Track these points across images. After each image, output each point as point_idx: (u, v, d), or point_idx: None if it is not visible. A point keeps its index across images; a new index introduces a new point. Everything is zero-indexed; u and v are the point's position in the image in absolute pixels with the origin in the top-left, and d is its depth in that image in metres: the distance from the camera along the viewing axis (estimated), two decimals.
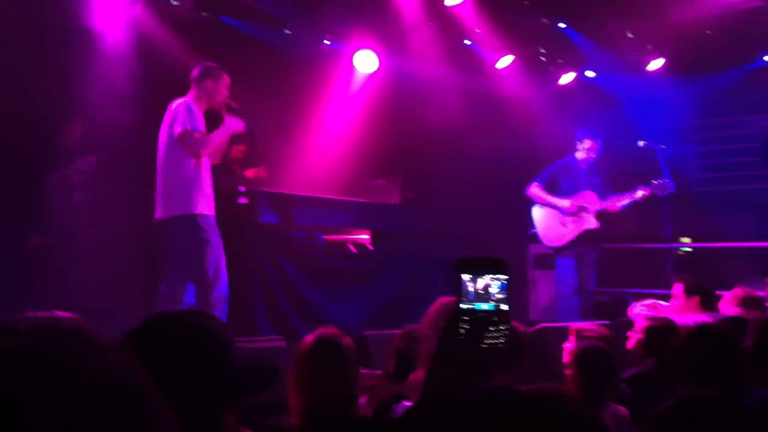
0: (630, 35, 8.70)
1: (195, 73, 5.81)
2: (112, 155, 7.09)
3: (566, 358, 3.97)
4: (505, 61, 9.10)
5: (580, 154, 7.75)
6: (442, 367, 1.90)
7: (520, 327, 3.85)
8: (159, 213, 5.66)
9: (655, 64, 8.94)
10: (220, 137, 5.79)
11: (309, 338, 2.92)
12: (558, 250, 7.78)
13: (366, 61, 8.50)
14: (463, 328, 1.81)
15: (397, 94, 8.78)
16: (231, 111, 5.86)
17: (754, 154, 9.22)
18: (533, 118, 9.21)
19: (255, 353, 4.20)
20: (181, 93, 6.46)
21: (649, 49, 8.87)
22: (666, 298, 5.81)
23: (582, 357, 3.75)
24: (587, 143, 7.69)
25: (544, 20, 8.73)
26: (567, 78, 9.48)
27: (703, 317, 4.51)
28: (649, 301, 5.76)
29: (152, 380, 1.38)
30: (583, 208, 7.64)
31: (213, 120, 5.89)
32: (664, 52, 8.88)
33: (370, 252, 7.74)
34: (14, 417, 0.62)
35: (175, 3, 7.23)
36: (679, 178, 8.39)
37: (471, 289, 1.82)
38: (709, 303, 5.19)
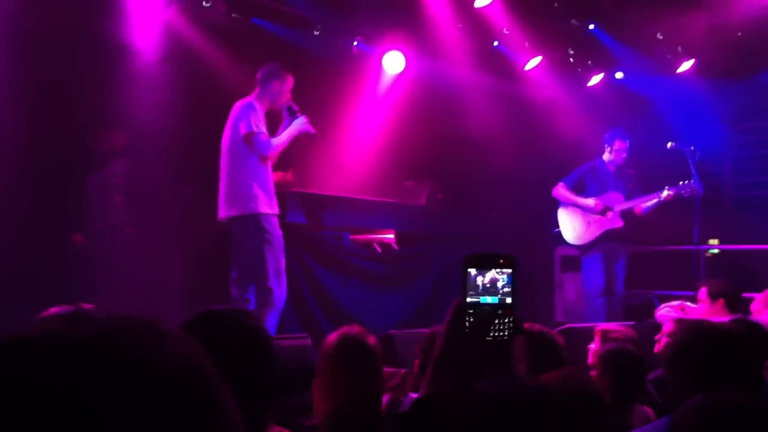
0: (660, 36, 8.65)
1: (261, 73, 5.92)
2: (148, 159, 7.20)
3: (591, 359, 3.96)
4: (533, 63, 9.08)
5: (607, 156, 7.75)
6: (449, 359, 1.94)
7: (544, 329, 3.87)
8: (222, 213, 5.78)
9: (686, 66, 8.87)
10: (287, 140, 5.85)
11: (332, 337, 2.90)
12: (583, 249, 7.76)
13: (394, 63, 8.54)
14: (468, 321, 1.85)
15: (425, 96, 8.80)
16: (291, 113, 5.93)
17: None
18: (562, 120, 9.19)
19: (287, 351, 4.23)
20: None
21: (679, 50, 8.80)
22: (695, 299, 5.78)
23: (609, 359, 3.72)
24: (616, 144, 7.69)
25: (573, 22, 8.70)
26: (596, 79, 9.44)
27: (726, 320, 4.48)
28: (676, 303, 5.71)
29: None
30: (608, 208, 7.63)
31: (272, 121, 5.98)
32: (695, 53, 8.82)
33: (400, 253, 7.76)
34: (95, 403, 0.63)
35: (207, 5, 7.29)
36: (712, 181, 8.36)
37: (477, 283, 1.86)
38: (735, 306, 5.14)
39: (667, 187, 7.39)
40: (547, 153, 9.14)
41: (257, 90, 5.90)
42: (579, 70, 9.44)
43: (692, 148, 7.37)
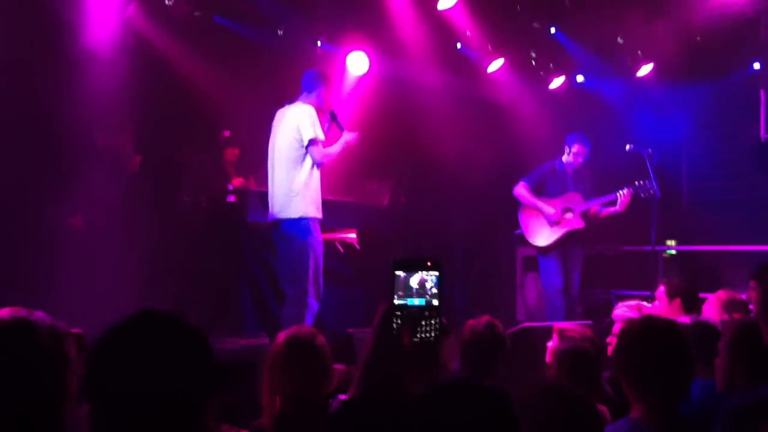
0: (620, 40, 8.75)
1: (307, 78, 6.13)
2: (109, 153, 7.17)
3: (549, 357, 4.00)
4: (495, 65, 9.15)
5: (566, 158, 7.83)
6: (377, 360, 1.96)
7: (500, 330, 3.91)
8: (273, 215, 5.94)
9: (645, 70, 8.99)
10: (339, 152, 6.06)
11: (281, 336, 2.90)
12: (543, 250, 7.81)
13: (357, 63, 8.54)
14: (396, 323, 1.88)
15: (389, 97, 8.81)
16: (333, 118, 6.17)
17: (745, 160, 9.28)
18: (524, 121, 9.26)
19: (237, 351, 4.23)
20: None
21: (639, 54, 8.92)
22: (652, 299, 5.84)
23: (564, 357, 3.77)
24: (575, 148, 7.78)
25: (535, 24, 8.78)
26: (557, 82, 9.53)
27: (682, 320, 4.53)
28: (632, 303, 5.75)
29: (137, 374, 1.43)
30: (568, 210, 7.71)
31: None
32: (654, 57, 8.93)
33: (361, 253, 7.76)
34: None
35: (169, 3, 7.25)
36: (670, 184, 8.47)
37: (404, 285, 1.90)
38: (691, 306, 5.19)
39: (624, 187, 7.49)
40: (509, 154, 9.21)
41: (305, 93, 6.09)
42: (541, 72, 9.52)
43: (650, 151, 7.47)
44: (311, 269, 5.81)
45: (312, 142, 5.87)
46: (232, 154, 7.93)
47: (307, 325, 5.58)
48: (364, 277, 7.59)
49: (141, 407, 1.51)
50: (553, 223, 7.71)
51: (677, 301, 5.24)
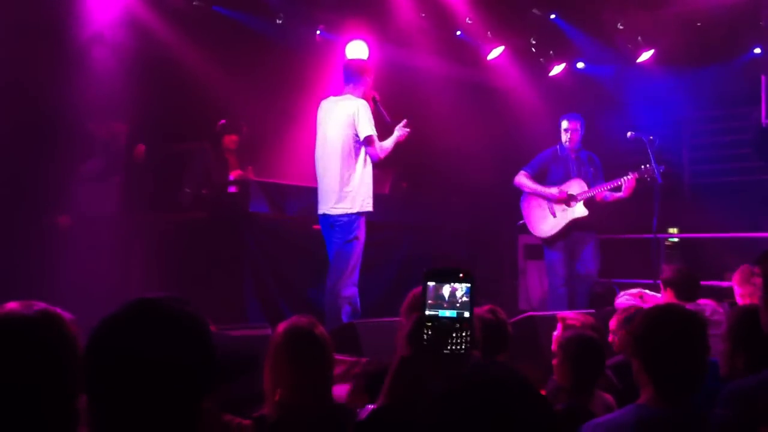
0: (620, 26, 8.71)
1: (350, 68, 6.16)
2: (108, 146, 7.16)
3: (554, 346, 3.99)
4: (495, 53, 9.11)
5: (564, 140, 7.70)
6: (406, 371, 1.96)
7: (503, 315, 3.90)
8: (325, 207, 6.03)
9: (645, 56, 8.96)
10: (392, 146, 6.17)
11: (281, 327, 2.90)
12: (548, 241, 7.69)
13: (357, 52, 8.51)
14: (427, 334, 1.88)
15: (388, 85, 8.78)
16: (376, 104, 6.19)
17: (746, 146, 9.26)
18: (525, 109, 9.24)
19: (239, 341, 4.23)
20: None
21: (639, 40, 8.88)
22: (655, 288, 5.83)
23: (569, 345, 3.75)
24: (565, 124, 7.67)
25: (535, 11, 8.74)
26: (558, 69, 9.50)
27: None
28: (635, 291, 5.75)
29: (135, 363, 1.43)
30: (572, 197, 7.57)
31: None
32: (655, 43, 8.90)
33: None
34: None
35: None
36: (672, 170, 8.44)
37: (436, 296, 1.89)
38: (686, 294, 5.11)
39: (629, 172, 7.38)
40: (511, 141, 9.19)
41: (351, 85, 6.10)
42: (541, 59, 9.49)
43: (651, 137, 7.40)
44: (353, 262, 5.97)
45: (370, 138, 5.93)
46: (230, 140, 7.92)
47: (358, 308, 5.95)
48: (365, 265, 7.57)
49: (139, 396, 1.50)
50: (558, 207, 7.59)
51: (669, 291, 5.19)
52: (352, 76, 6.12)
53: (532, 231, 7.82)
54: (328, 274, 6.09)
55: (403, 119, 6.35)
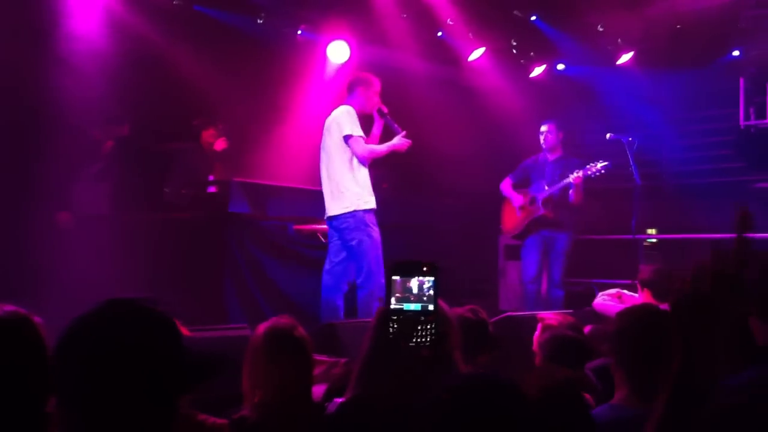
0: (600, 28, 8.76)
1: (349, 80, 6.52)
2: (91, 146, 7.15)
3: (534, 346, 4.01)
4: (476, 54, 9.14)
5: (540, 141, 7.92)
6: (373, 364, 1.97)
7: (483, 315, 3.92)
8: (330, 210, 6.23)
9: (625, 58, 9.02)
10: (385, 151, 6.36)
11: (261, 328, 2.89)
12: (517, 239, 8.07)
13: (338, 52, 8.52)
14: (392, 327, 1.89)
15: None
16: (381, 115, 6.48)
17: (726, 147, 9.32)
18: (506, 110, 9.27)
19: (217, 341, 4.22)
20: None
21: (619, 42, 8.94)
22: (634, 288, 5.85)
23: (548, 345, 3.77)
24: (542, 128, 7.91)
25: (516, 12, 8.77)
26: (538, 70, 9.54)
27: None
28: (613, 291, 5.76)
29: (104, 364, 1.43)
30: (534, 199, 7.88)
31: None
32: (635, 45, 8.95)
33: None
34: None
35: None
36: (651, 171, 8.50)
37: (401, 289, 1.91)
38: (663, 294, 5.11)
39: (575, 171, 7.49)
40: (493, 142, 9.22)
41: (348, 97, 6.41)
42: (522, 61, 9.53)
43: (630, 138, 7.49)
44: (371, 259, 6.09)
45: (349, 137, 6.14)
46: (208, 135, 7.94)
47: (362, 305, 6.09)
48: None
49: (108, 397, 1.50)
50: (522, 207, 7.95)
51: (646, 291, 5.22)
52: (348, 87, 6.48)
53: (502, 229, 8.25)
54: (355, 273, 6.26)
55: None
